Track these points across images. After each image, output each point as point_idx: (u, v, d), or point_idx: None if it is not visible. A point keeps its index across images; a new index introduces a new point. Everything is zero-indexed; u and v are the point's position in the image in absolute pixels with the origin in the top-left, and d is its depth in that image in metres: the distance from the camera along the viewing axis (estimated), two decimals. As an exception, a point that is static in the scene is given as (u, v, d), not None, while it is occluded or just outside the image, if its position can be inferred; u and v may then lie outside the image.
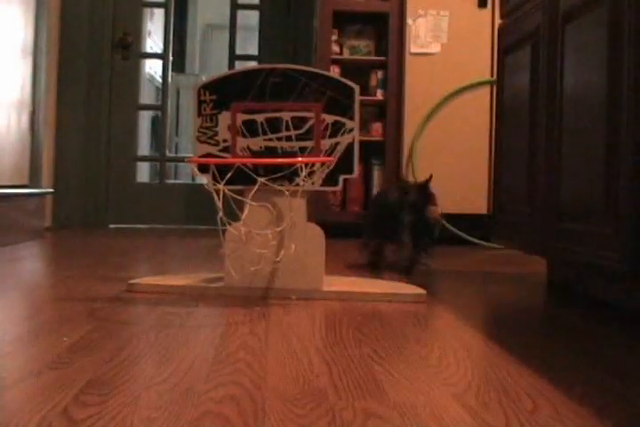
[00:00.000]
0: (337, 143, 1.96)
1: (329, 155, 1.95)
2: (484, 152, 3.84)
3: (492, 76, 3.81)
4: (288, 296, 1.91)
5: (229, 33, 4.78)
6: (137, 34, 4.64)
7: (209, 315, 1.71)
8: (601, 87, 1.68)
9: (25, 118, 3.50)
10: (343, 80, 2.00)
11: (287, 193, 1.87)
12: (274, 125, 1.96)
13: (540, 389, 1.11)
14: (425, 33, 3.90)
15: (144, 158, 5.34)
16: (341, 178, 1.97)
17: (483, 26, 3.88)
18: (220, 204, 1.77)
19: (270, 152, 1.96)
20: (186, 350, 1.31)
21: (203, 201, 4.54)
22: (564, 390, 1.10)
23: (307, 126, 1.95)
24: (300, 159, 1.89)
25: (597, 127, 1.70)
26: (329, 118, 1.96)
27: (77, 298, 1.83)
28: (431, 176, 2.46)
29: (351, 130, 1.96)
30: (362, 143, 2.09)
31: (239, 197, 1.85)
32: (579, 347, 1.45)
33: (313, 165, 1.91)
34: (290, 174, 1.92)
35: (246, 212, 1.87)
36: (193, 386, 1.07)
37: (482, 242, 3.73)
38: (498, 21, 2.68)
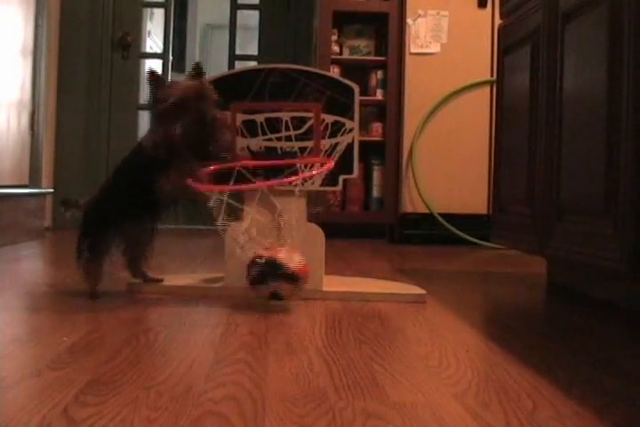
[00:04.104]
0: (337, 143, 1.96)
1: (329, 155, 1.95)
2: (483, 152, 3.84)
3: (491, 76, 3.80)
4: (288, 296, 1.91)
5: (229, 33, 4.78)
6: (137, 34, 4.64)
7: (209, 315, 1.71)
8: (601, 87, 1.68)
9: (25, 118, 3.49)
10: (343, 80, 2.00)
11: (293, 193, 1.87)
12: (273, 125, 1.96)
13: (539, 389, 1.11)
14: (425, 33, 3.90)
15: (144, 158, 5.34)
16: (341, 178, 1.97)
17: (482, 26, 3.87)
18: (220, 204, 1.77)
19: (270, 152, 1.96)
20: (186, 350, 1.31)
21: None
22: (563, 390, 1.10)
23: (306, 126, 1.95)
24: (300, 160, 1.89)
25: (597, 127, 1.70)
26: (329, 118, 1.96)
27: (77, 298, 1.83)
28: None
29: (351, 130, 1.96)
30: (362, 143, 2.09)
31: (239, 201, 1.85)
32: (579, 347, 1.45)
33: (313, 165, 1.91)
34: (290, 174, 1.92)
35: (246, 212, 1.86)
36: (193, 386, 1.07)
37: (482, 242, 3.73)
38: (498, 21, 2.68)
